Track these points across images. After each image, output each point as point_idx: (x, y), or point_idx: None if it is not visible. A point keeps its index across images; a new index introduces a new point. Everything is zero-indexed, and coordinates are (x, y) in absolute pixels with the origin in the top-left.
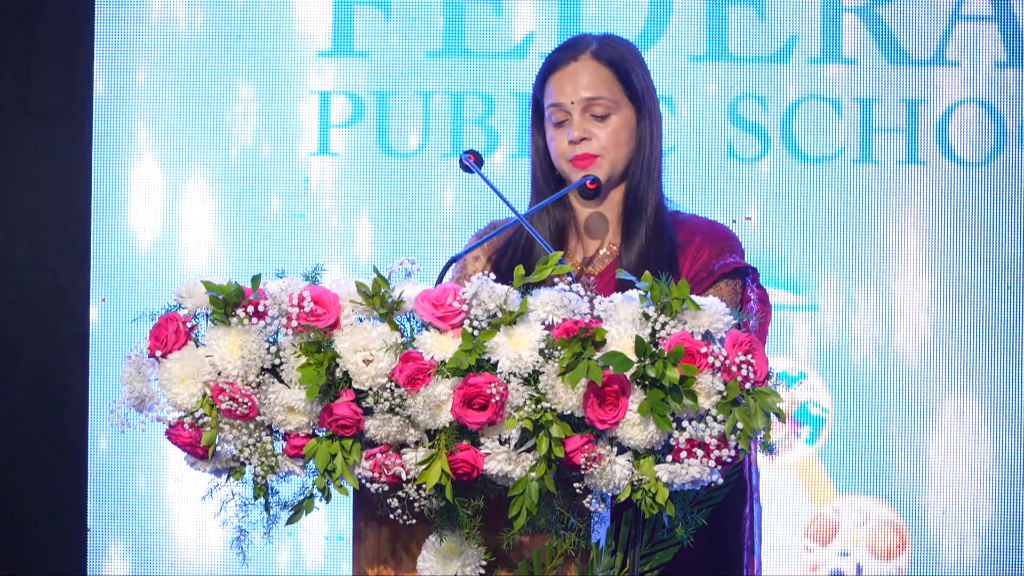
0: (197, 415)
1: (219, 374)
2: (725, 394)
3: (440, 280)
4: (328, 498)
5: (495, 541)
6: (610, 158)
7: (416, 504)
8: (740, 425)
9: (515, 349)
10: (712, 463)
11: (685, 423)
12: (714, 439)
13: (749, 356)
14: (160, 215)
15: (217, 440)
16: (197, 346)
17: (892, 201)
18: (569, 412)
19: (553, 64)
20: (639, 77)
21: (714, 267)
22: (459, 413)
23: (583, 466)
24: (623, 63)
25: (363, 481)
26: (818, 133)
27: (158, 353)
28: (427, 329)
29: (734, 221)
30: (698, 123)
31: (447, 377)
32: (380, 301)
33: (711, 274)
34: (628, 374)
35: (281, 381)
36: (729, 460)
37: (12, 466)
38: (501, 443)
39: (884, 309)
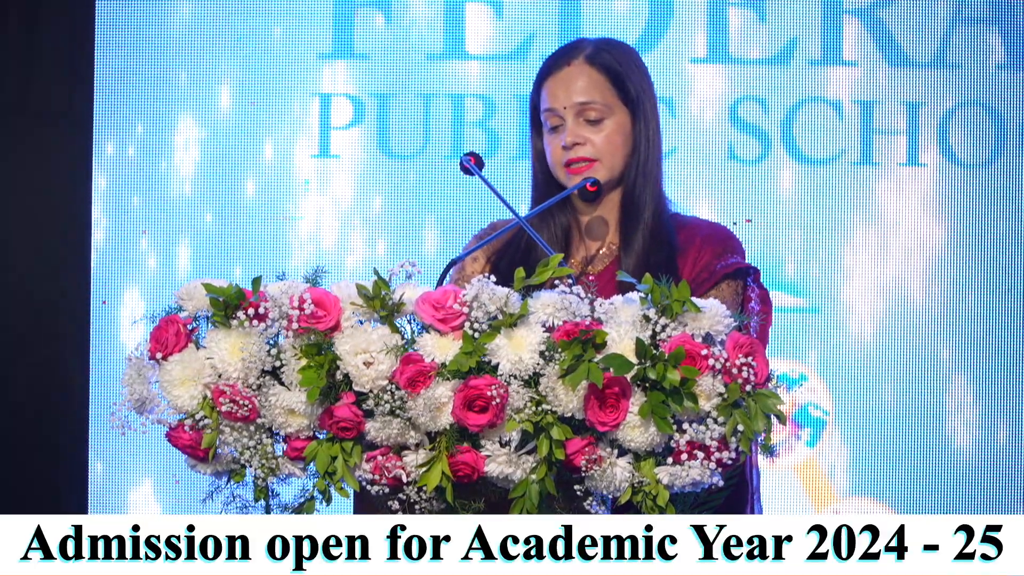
0: (198, 417)
1: (219, 376)
2: (726, 396)
3: (440, 282)
4: (329, 500)
5: None
6: (607, 163)
7: (417, 506)
8: (740, 427)
9: (515, 351)
10: (713, 465)
11: (685, 425)
12: (715, 441)
13: (750, 358)
14: (161, 216)
15: (217, 442)
16: (198, 348)
17: (893, 203)
18: (570, 414)
19: (548, 69)
20: (634, 82)
21: (716, 267)
22: (460, 415)
23: (584, 468)
24: (617, 68)
25: (363, 483)
26: (819, 135)
27: (159, 355)
28: (427, 331)
29: (735, 223)
30: (699, 125)
31: (448, 379)
32: (381, 303)
33: (713, 275)
34: (628, 376)
35: (282, 383)
36: (730, 462)
37: (12, 467)
38: (502, 445)
39: (884, 311)
